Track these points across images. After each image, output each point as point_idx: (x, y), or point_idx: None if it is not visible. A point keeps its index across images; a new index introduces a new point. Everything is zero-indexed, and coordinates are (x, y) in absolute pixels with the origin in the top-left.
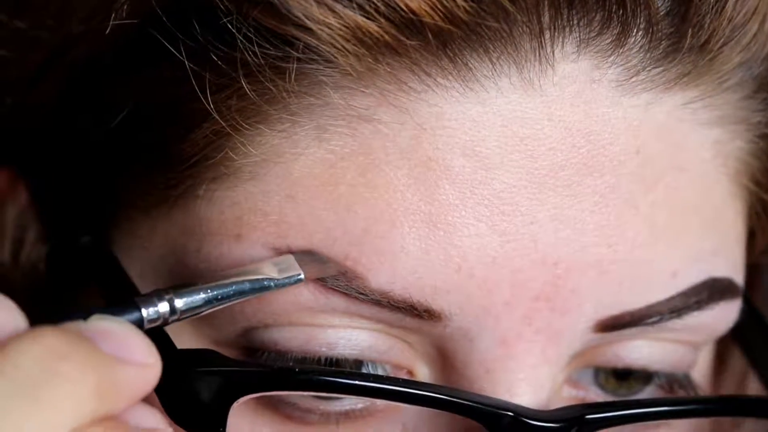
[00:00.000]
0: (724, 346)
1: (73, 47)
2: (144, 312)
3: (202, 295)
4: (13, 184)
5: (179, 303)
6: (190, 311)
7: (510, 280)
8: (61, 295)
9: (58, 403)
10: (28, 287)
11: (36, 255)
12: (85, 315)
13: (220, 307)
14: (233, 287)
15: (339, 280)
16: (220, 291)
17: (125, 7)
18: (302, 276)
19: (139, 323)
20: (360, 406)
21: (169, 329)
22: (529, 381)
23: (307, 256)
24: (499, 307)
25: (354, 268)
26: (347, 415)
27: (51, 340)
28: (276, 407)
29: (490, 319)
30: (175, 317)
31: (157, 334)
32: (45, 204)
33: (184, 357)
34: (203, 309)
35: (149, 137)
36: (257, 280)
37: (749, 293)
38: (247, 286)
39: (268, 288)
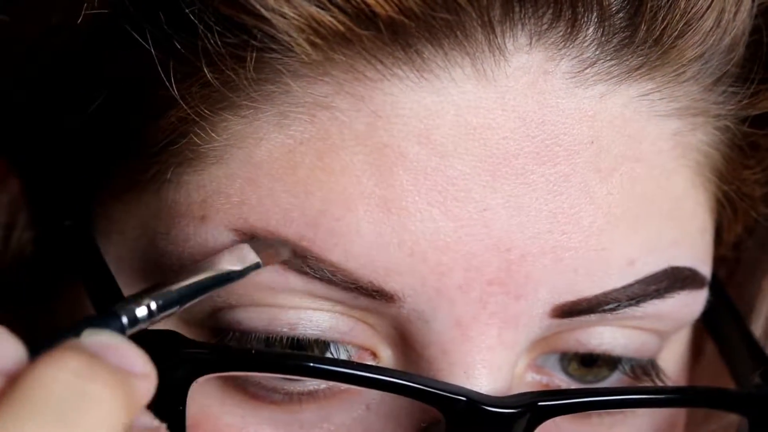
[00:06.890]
0: (701, 335)
1: (53, 38)
2: (124, 319)
3: (175, 295)
4: (6, 172)
5: (154, 306)
6: (165, 312)
7: (463, 264)
8: (48, 278)
9: (97, 425)
10: (17, 271)
11: (25, 240)
12: (75, 330)
13: (190, 304)
14: (201, 283)
15: (295, 260)
16: (190, 288)
17: None
18: (260, 263)
19: (121, 331)
20: (323, 386)
21: None
22: (485, 364)
23: (259, 243)
24: (453, 290)
25: (309, 248)
26: (311, 395)
27: (75, 363)
28: (242, 387)
29: (444, 301)
30: (151, 320)
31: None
32: (35, 191)
33: (145, 338)
34: (175, 308)
35: (122, 124)
36: (221, 273)
37: (726, 286)
38: (213, 280)
39: (231, 279)
